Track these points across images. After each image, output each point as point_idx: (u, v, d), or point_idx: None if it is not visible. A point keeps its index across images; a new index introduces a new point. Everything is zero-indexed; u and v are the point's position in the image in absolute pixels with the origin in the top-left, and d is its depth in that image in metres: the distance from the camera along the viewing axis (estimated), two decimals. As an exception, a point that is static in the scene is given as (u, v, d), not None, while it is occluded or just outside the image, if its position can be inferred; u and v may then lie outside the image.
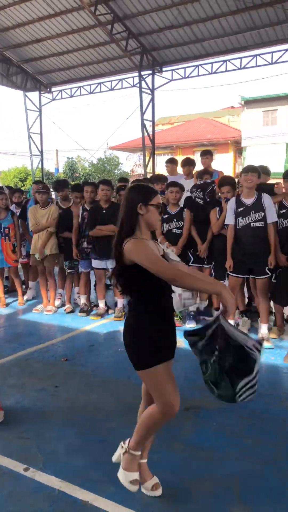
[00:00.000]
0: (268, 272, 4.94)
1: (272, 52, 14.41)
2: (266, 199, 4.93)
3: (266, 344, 4.85)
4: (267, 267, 4.93)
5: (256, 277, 5.03)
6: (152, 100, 16.09)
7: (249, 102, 29.16)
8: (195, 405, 3.56)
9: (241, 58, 14.97)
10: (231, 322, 5.04)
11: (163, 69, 15.96)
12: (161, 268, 2.16)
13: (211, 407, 3.54)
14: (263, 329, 5.04)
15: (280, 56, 14.22)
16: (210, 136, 30.63)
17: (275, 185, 6.49)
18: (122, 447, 2.51)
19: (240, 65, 14.95)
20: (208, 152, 7.13)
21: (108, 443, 2.87)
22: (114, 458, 2.55)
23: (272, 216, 4.89)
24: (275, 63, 14.44)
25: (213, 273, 5.66)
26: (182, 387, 3.91)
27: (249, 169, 4.99)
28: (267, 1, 12.52)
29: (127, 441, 2.51)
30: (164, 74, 16.11)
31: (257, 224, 4.89)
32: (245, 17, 13.40)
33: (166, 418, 2.37)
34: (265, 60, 14.53)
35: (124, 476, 2.41)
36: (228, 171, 25.87)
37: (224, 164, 28.86)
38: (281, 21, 13.21)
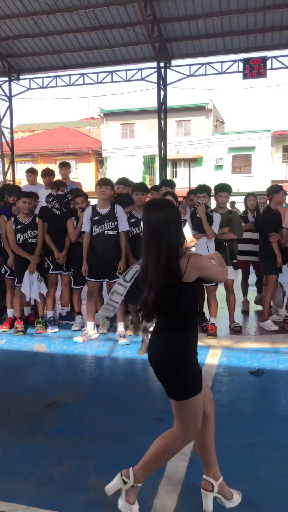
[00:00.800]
0: (119, 275, 5.35)
1: (126, 70, 15.32)
2: (118, 209, 5.38)
3: (122, 341, 5.28)
4: (117, 271, 5.35)
5: (110, 280, 5.43)
6: (10, 107, 15.82)
7: (108, 115, 30.35)
8: (55, 401, 3.75)
9: (98, 73, 15.61)
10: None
11: (21, 77, 15.81)
12: (223, 274, 2.34)
13: (71, 400, 3.77)
14: (120, 327, 5.45)
15: (134, 75, 15.19)
16: (71, 146, 31.01)
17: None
18: (124, 481, 2.28)
19: (97, 80, 15.57)
20: (66, 164, 7.42)
21: None
22: (110, 492, 2.32)
23: (123, 225, 5.36)
24: (129, 80, 15.36)
25: (72, 280, 5.91)
26: (43, 386, 4.12)
27: (103, 183, 5.39)
28: (120, 23, 13.36)
29: (130, 474, 2.28)
30: (22, 82, 15.96)
31: (110, 232, 5.31)
32: (100, 35, 14.07)
33: (184, 445, 2.33)
34: (120, 76, 15.36)
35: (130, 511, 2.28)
36: (90, 181, 26.50)
37: (86, 174, 29.52)
38: (133, 42, 14.19)
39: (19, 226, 5.60)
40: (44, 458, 2.90)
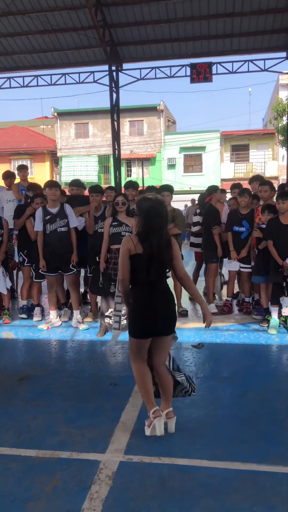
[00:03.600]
0: (72, 268, 5.96)
1: (79, 73, 15.84)
2: (67, 208, 5.95)
3: (82, 327, 5.91)
4: (71, 265, 5.94)
5: (65, 273, 6.03)
6: None
7: (62, 114, 30.54)
8: (26, 376, 4.33)
9: (51, 75, 16.01)
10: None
11: (-26, 78, 15.95)
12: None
13: (39, 374, 4.38)
14: (76, 314, 6.07)
15: (87, 77, 15.74)
16: (26, 145, 30.95)
17: None
18: (164, 416, 3.17)
19: (51, 81, 15.97)
20: (24, 166, 7.93)
21: None
22: (160, 433, 3.10)
23: (73, 222, 5.94)
24: (82, 82, 15.88)
25: (33, 273, 6.45)
26: (14, 365, 4.68)
27: (52, 185, 5.94)
28: (72, 27, 13.84)
29: (165, 409, 3.21)
30: (-25, 82, 16.09)
31: (62, 229, 5.89)
32: (52, 38, 14.49)
33: None
34: (73, 79, 15.85)
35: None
36: (45, 181, 26.66)
37: (41, 173, 29.62)
38: (85, 46, 14.71)
39: None
40: (21, 415, 3.51)
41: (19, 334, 5.79)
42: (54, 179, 30.76)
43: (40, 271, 6.01)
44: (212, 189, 6.87)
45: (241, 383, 4.09)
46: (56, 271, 6.03)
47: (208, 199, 6.98)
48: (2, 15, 13.44)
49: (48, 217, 5.87)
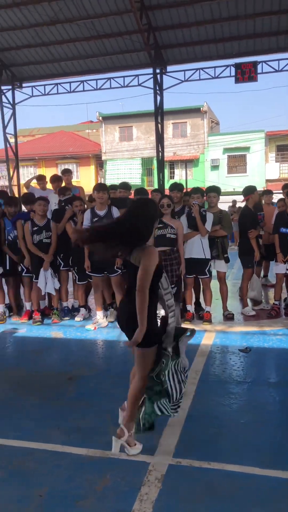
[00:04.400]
0: (117, 270, 5.98)
1: (124, 77, 16.00)
2: (115, 211, 5.98)
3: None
4: (115, 266, 5.96)
5: (110, 275, 6.08)
6: (14, 114, 16.51)
7: (107, 118, 30.97)
8: (73, 375, 4.43)
9: (96, 79, 16.29)
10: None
11: (23, 85, 16.50)
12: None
13: (87, 374, 4.46)
14: (99, 314, 6.18)
15: (131, 81, 15.89)
16: (72, 149, 31.64)
17: None
18: (119, 437, 2.94)
19: (96, 86, 16.24)
20: (68, 170, 8.11)
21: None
22: (116, 453, 2.94)
23: None
24: (126, 86, 16.04)
25: (76, 277, 6.62)
26: (62, 364, 4.79)
27: (100, 188, 6.04)
28: (117, 32, 14.03)
29: (125, 431, 2.95)
30: (25, 90, 16.64)
31: None
32: (98, 44, 14.75)
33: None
34: (118, 83, 16.04)
35: (135, 451, 2.96)
36: (90, 184, 27.15)
37: (86, 177, 30.18)
38: (129, 50, 14.87)
39: (35, 228, 6.27)
40: (70, 415, 3.58)
41: (67, 334, 5.92)
42: (100, 182, 31.26)
43: (87, 272, 6.12)
44: (249, 190, 6.68)
45: (290, 389, 3.99)
46: (102, 272, 6.12)
47: (244, 200, 6.83)
48: (51, 23, 13.83)
49: (96, 219, 5.97)
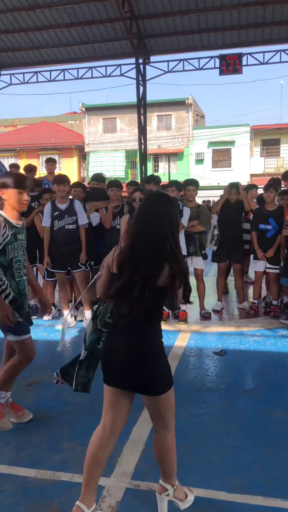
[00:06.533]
0: (81, 266, 5.71)
1: (106, 66, 15.57)
2: (77, 204, 5.67)
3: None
4: (79, 262, 5.68)
5: (73, 270, 5.75)
6: (-9, 102, 15.92)
7: (90, 109, 30.42)
8: (34, 381, 4.10)
9: (78, 68, 15.80)
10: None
11: (1, 72, 15.93)
12: None
13: (48, 380, 4.11)
14: (87, 314, 5.80)
15: (113, 70, 15.46)
16: (54, 140, 31.04)
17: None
18: (167, 494, 2.38)
19: (77, 75, 15.77)
20: (52, 159, 7.79)
21: None
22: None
23: (82, 219, 5.66)
24: (109, 76, 15.61)
25: (45, 272, 6.30)
26: (26, 368, 4.44)
27: (60, 181, 5.61)
28: (98, 19, 13.57)
29: (165, 485, 2.37)
30: (3, 77, 16.09)
31: (70, 226, 5.62)
32: (79, 31, 14.26)
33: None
34: (100, 72, 15.60)
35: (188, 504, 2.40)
36: (73, 176, 26.67)
37: (68, 169, 29.63)
38: (112, 38, 14.42)
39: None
40: (24, 428, 3.25)
41: (34, 334, 5.55)
42: (81, 174, 30.74)
43: (48, 268, 5.81)
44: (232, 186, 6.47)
45: (265, 398, 3.72)
46: (65, 268, 5.79)
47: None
48: (29, 8, 13.30)
49: (57, 213, 5.63)
